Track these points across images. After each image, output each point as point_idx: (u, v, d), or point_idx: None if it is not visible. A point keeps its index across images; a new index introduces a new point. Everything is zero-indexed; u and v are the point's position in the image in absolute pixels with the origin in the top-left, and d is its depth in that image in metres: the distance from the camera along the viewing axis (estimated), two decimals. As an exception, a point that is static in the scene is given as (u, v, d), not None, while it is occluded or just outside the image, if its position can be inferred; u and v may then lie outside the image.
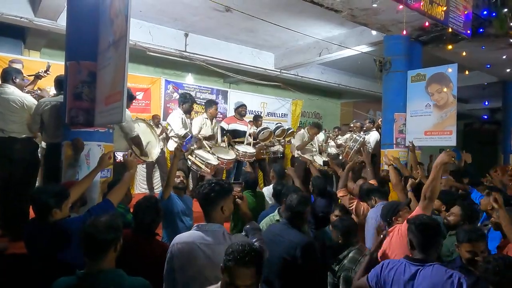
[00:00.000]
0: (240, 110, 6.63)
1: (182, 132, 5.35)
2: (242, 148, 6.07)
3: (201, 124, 5.83)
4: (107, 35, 3.29)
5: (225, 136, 6.21)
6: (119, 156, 4.33)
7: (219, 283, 1.82)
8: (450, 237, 3.04)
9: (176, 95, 8.42)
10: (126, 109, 4.62)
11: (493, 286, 1.96)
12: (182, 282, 2.10)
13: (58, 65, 4.94)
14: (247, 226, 2.45)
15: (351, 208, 3.73)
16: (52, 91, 4.78)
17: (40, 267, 2.36)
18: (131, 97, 4.75)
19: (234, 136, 6.36)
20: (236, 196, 2.58)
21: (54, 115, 3.71)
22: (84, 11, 3.50)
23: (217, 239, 2.11)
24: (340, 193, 3.86)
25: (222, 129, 6.48)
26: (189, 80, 9.00)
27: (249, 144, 6.83)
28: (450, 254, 2.88)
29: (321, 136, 8.22)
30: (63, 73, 3.67)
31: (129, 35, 2.88)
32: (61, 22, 5.89)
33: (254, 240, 2.34)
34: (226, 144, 6.12)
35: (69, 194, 2.57)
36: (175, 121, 5.50)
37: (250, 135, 6.70)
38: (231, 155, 5.69)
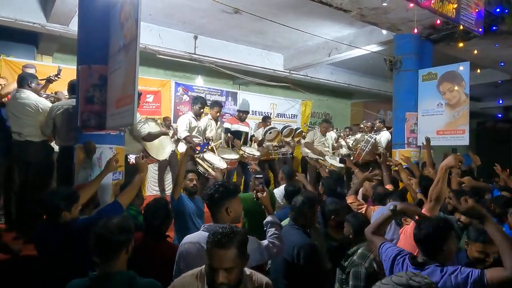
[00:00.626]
0: (241, 115, 6.63)
1: (183, 134, 5.43)
2: (248, 150, 6.09)
3: (205, 125, 5.87)
4: (117, 38, 3.33)
5: (227, 135, 6.25)
6: (132, 158, 4.40)
7: (203, 266, 1.78)
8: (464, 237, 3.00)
9: (186, 98, 8.47)
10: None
11: None
12: None
13: (70, 70, 5.01)
14: (268, 218, 2.48)
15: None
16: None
17: (47, 267, 2.40)
18: (138, 95, 4.81)
19: (236, 137, 6.40)
20: (256, 190, 2.62)
21: (66, 118, 3.78)
22: (95, 16, 3.55)
23: None
24: (349, 200, 3.82)
25: (227, 129, 6.53)
26: (199, 82, 9.03)
27: (258, 143, 6.86)
28: None
29: (333, 135, 8.19)
30: (75, 78, 3.72)
31: (140, 38, 2.90)
32: (73, 27, 5.97)
33: (270, 234, 2.37)
34: (231, 144, 6.15)
35: (79, 197, 2.61)
36: (181, 123, 5.61)
37: (251, 139, 6.73)
38: (234, 155, 5.73)
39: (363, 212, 3.72)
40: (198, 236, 2.20)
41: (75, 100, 3.64)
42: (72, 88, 3.95)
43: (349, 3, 5.24)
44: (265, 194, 2.60)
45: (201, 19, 7.01)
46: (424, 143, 5.35)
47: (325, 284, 2.91)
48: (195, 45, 7.74)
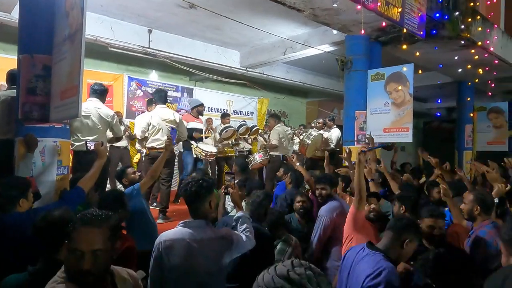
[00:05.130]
0: (201, 110, 6.61)
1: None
2: (205, 147, 6.10)
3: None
4: (62, 27, 3.20)
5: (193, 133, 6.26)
6: (91, 145, 4.29)
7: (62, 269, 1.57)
8: None
9: (139, 93, 8.28)
10: (109, 109, 4.86)
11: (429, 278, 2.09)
12: (173, 278, 2.11)
13: (12, 60, 4.75)
14: (239, 214, 2.52)
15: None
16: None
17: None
18: (103, 92, 4.78)
19: (192, 134, 6.38)
20: (226, 185, 2.66)
21: (5, 110, 3.58)
22: (38, 3, 3.38)
23: (206, 234, 2.18)
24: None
25: None
26: (153, 77, 8.85)
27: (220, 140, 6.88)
28: None
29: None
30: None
31: (85, 28, 2.80)
32: (16, 15, 5.63)
33: (243, 228, 2.41)
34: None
35: (30, 183, 2.63)
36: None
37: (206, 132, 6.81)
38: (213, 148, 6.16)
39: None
40: (180, 233, 2.19)
41: (14, 90, 3.46)
42: (11, 78, 3.75)
43: (302, 3, 5.37)
44: (235, 189, 2.66)
45: (156, 12, 6.87)
46: (367, 141, 5.65)
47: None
48: (149, 39, 7.57)
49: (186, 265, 2.10)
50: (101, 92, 4.71)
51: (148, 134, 5.36)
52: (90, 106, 4.54)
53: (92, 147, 4.14)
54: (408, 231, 2.23)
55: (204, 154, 6.05)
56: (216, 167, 7.41)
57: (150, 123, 5.33)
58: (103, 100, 4.75)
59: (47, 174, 3.31)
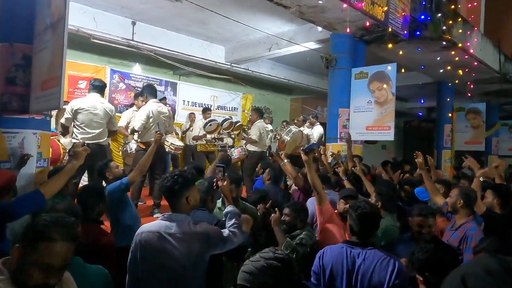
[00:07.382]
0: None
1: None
2: (173, 141, 6.10)
3: (130, 117, 5.98)
4: (44, 16, 3.12)
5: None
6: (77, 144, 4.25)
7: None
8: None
9: (122, 86, 8.15)
10: (109, 103, 4.95)
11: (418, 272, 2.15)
12: (147, 271, 2.10)
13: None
14: (228, 208, 2.46)
15: None
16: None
17: None
18: (103, 87, 4.86)
19: None
20: (216, 179, 2.61)
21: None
22: (18, -10, 3.29)
23: (182, 228, 2.14)
24: None
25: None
26: (137, 70, 8.71)
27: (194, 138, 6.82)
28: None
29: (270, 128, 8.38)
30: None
31: (68, 17, 2.74)
32: (-6, 2, 5.46)
33: (230, 224, 2.35)
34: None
35: None
36: None
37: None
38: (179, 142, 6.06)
39: None
40: (157, 225, 2.17)
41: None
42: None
43: (289, 0, 5.39)
44: (225, 183, 2.56)
45: (141, 4, 6.76)
46: (345, 139, 5.68)
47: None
48: (133, 31, 7.45)
49: (158, 258, 2.09)
50: (101, 87, 4.79)
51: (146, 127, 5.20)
52: (96, 101, 4.64)
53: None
54: (377, 218, 2.34)
55: (173, 148, 6.05)
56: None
57: (151, 116, 5.14)
58: (102, 95, 4.85)
59: (26, 166, 3.24)
